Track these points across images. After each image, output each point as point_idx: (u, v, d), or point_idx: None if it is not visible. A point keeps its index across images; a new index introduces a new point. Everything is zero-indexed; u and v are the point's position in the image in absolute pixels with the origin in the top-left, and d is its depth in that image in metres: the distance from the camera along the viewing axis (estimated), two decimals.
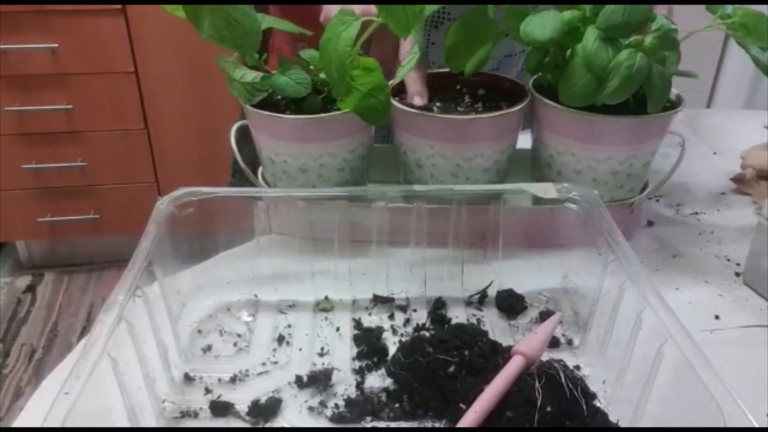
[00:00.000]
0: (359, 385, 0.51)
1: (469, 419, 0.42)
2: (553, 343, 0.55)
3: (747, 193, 0.78)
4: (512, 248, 0.63)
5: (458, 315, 0.58)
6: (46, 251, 2.23)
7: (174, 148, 1.98)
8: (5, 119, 1.87)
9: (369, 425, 0.48)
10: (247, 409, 0.49)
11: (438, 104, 0.65)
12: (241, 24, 0.57)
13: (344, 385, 0.51)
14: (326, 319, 0.58)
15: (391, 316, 0.59)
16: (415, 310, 0.59)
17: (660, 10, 0.63)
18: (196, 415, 0.49)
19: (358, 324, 0.57)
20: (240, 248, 0.65)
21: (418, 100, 0.65)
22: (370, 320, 0.58)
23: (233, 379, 0.52)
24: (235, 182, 1.00)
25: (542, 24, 0.59)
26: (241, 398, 0.50)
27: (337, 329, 0.57)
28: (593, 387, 0.47)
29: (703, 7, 0.62)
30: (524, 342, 0.47)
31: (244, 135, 0.69)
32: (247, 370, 0.53)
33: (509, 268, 0.62)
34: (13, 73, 1.81)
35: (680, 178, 0.77)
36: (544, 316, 0.58)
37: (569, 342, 0.56)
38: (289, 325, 0.58)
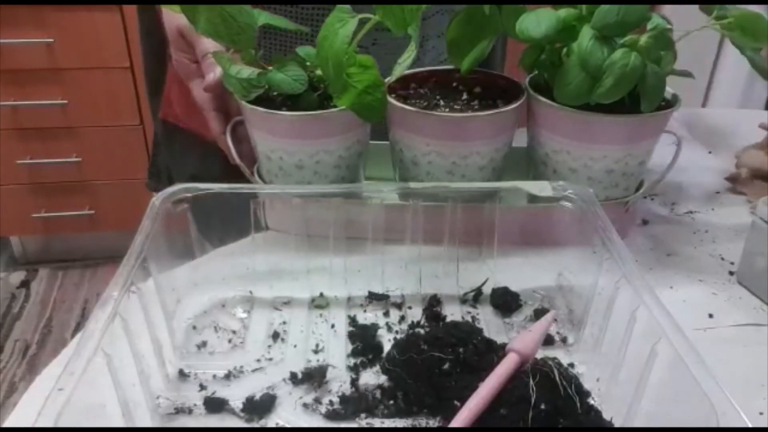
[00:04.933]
0: (354, 382, 0.51)
1: (463, 416, 0.42)
2: (548, 340, 0.55)
3: (741, 193, 0.79)
4: (507, 246, 0.63)
5: (453, 312, 0.59)
6: (41, 247, 2.23)
7: None
8: (0, 114, 1.86)
9: (363, 422, 0.48)
10: (241, 406, 0.49)
11: (439, 99, 0.65)
12: (236, 20, 0.57)
13: (339, 381, 0.51)
14: (321, 315, 0.58)
15: (386, 314, 0.59)
16: (410, 308, 0.59)
17: None
18: (190, 411, 0.49)
19: (353, 321, 0.57)
20: (235, 245, 0.65)
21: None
22: (365, 317, 0.58)
23: (228, 376, 0.52)
24: (152, 184, 0.98)
25: (537, 21, 0.59)
26: (236, 394, 0.50)
27: (332, 326, 0.57)
28: (587, 385, 0.48)
29: (698, 6, 0.62)
30: (519, 339, 0.47)
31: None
32: (241, 367, 0.53)
33: (504, 266, 0.62)
34: (8, 67, 1.80)
35: (675, 177, 0.77)
36: (539, 313, 0.58)
37: (563, 340, 0.56)
38: (284, 322, 0.58)
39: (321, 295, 0.61)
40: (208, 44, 0.67)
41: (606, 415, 0.46)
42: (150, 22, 0.86)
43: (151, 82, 0.92)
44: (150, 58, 0.91)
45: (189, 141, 0.87)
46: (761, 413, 0.49)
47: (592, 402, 0.46)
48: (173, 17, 0.70)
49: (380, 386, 0.50)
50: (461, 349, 0.48)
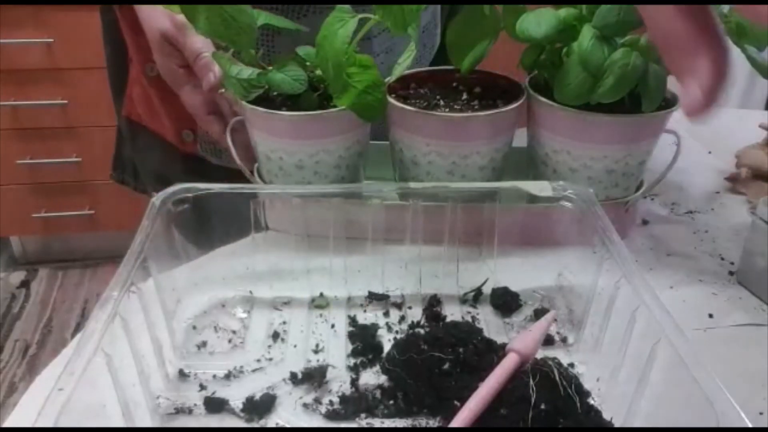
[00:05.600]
0: (354, 382, 0.51)
1: (463, 417, 0.42)
2: (548, 340, 0.55)
3: (741, 193, 0.79)
4: (507, 246, 0.63)
5: (453, 312, 0.59)
6: (41, 247, 2.23)
7: None
8: (0, 114, 1.86)
9: (363, 422, 0.48)
10: (241, 406, 0.49)
11: (439, 99, 0.65)
12: (236, 21, 0.57)
13: (339, 381, 0.51)
14: (321, 315, 0.58)
15: (386, 314, 0.59)
16: (410, 308, 0.59)
17: None
18: (190, 411, 0.49)
19: (353, 321, 0.57)
20: (235, 245, 0.65)
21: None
22: (365, 317, 0.58)
23: (228, 376, 0.52)
24: (116, 176, 0.99)
25: (537, 21, 0.59)
26: (236, 395, 0.50)
27: (332, 326, 0.57)
28: (587, 385, 0.48)
29: None
30: (519, 339, 0.47)
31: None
32: (241, 367, 0.53)
33: (504, 266, 0.62)
34: (8, 67, 1.80)
35: (675, 177, 0.77)
36: (539, 314, 0.58)
37: (563, 340, 0.56)
38: (284, 322, 0.58)
39: (321, 295, 0.61)
40: (198, 44, 0.66)
41: (606, 415, 0.46)
42: (110, 21, 0.85)
43: (114, 79, 0.92)
44: (113, 56, 0.90)
45: (152, 140, 0.88)
46: (761, 413, 0.49)
47: (592, 402, 0.46)
48: (154, 21, 0.67)
49: (380, 386, 0.50)
50: (461, 349, 0.48)
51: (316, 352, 0.54)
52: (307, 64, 0.63)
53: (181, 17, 0.63)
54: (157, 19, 0.67)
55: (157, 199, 0.55)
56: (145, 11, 0.69)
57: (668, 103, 0.64)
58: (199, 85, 0.69)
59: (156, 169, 0.89)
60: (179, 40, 0.67)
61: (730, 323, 0.58)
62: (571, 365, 0.52)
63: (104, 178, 2.01)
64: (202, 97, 0.69)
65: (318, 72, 0.63)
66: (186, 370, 0.52)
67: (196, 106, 0.69)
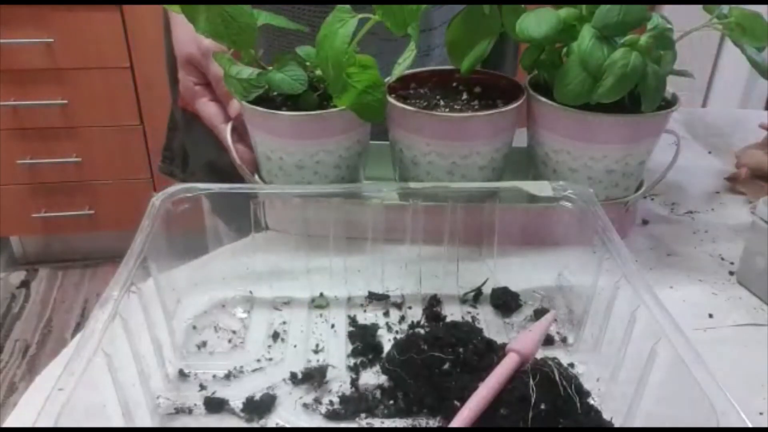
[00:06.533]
0: (354, 382, 0.51)
1: (463, 416, 0.42)
2: (548, 340, 0.55)
3: (741, 192, 0.79)
4: (507, 246, 0.63)
5: (453, 312, 0.59)
6: (41, 247, 2.23)
7: None
8: (0, 114, 1.86)
9: (363, 422, 0.48)
10: (241, 406, 0.49)
11: (439, 99, 0.65)
12: (236, 21, 0.57)
13: (339, 381, 0.51)
14: (321, 315, 0.58)
15: (386, 314, 0.59)
16: (410, 308, 0.59)
17: None
18: (190, 411, 0.49)
19: (353, 321, 0.57)
20: (235, 245, 0.65)
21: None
22: (365, 317, 0.58)
23: (228, 376, 0.52)
24: (165, 168, 1.01)
25: (537, 21, 0.59)
26: (236, 395, 0.50)
27: (332, 326, 0.57)
28: (587, 385, 0.48)
29: (699, 6, 0.62)
30: (519, 339, 0.47)
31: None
32: (241, 367, 0.53)
33: (504, 266, 0.62)
34: (8, 67, 1.80)
35: (675, 176, 0.77)
36: (539, 314, 0.58)
37: (563, 340, 0.56)
38: (284, 322, 0.58)
39: (321, 295, 0.61)
40: (221, 71, 0.68)
41: (606, 415, 0.46)
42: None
43: (172, 69, 0.94)
44: (172, 48, 0.93)
45: (207, 130, 0.89)
46: (761, 413, 0.49)
47: (592, 402, 0.46)
48: (183, 44, 0.73)
49: (380, 386, 0.50)
50: (461, 349, 0.48)
51: (316, 352, 0.54)
52: (307, 64, 0.63)
53: (207, 43, 0.68)
54: (185, 43, 0.72)
55: (157, 199, 0.55)
56: (176, 31, 0.75)
57: (668, 103, 0.64)
58: (214, 99, 0.73)
59: (209, 159, 0.92)
60: (203, 64, 0.71)
61: (730, 323, 0.58)
62: (571, 365, 0.52)
63: (104, 178, 2.01)
64: (216, 109, 0.73)
65: (318, 72, 0.63)
66: (186, 370, 0.52)
67: (212, 116, 0.73)
